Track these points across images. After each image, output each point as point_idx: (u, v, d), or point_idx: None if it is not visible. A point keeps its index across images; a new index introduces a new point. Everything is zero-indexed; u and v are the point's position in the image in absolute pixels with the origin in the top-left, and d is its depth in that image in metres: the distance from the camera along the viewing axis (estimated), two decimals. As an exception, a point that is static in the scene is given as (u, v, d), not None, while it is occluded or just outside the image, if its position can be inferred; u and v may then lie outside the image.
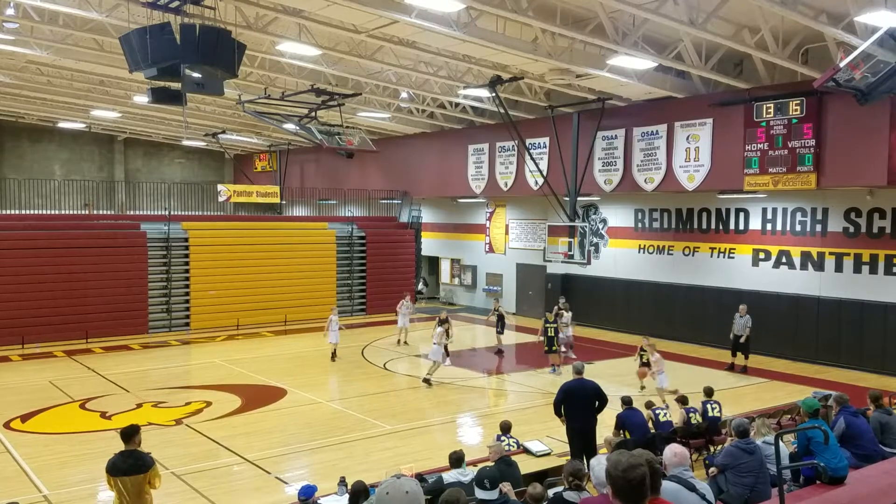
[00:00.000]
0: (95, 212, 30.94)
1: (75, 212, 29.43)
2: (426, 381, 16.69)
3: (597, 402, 10.31)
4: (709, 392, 11.69)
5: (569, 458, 9.33)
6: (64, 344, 20.97)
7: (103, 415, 14.17)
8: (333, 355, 19.58)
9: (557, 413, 10.55)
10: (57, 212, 28.27)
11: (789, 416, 11.76)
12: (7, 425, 13.43)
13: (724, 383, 16.93)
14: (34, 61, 22.24)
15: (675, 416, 11.25)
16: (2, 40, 19.20)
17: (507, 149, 25.53)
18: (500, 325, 20.99)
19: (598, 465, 5.05)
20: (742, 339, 18.15)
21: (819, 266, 19.29)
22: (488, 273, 29.52)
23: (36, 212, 26.80)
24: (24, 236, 21.63)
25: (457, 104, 25.27)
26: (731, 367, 18.39)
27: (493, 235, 29.30)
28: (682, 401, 11.39)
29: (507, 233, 28.60)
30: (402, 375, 18.03)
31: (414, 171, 30.29)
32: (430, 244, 31.92)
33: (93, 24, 17.55)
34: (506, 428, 10.45)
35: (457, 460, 8.14)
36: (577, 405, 10.37)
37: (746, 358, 18.27)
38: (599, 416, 10.44)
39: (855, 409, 9.16)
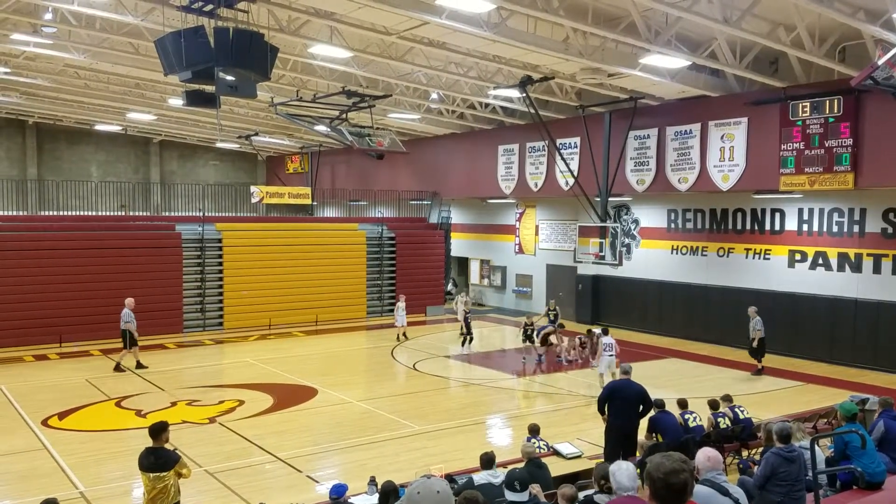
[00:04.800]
0: (131, 213, 31.46)
1: (111, 213, 29.98)
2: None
3: (641, 406, 10.27)
4: (713, 405, 11.20)
5: (599, 460, 9.26)
6: (100, 343, 21.32)
7: (138, 413, 14.38)
8: (400, 337, 22.02)
9: (601, 411, 10.57)
10: (94, 213, 28.83)
11: (826, 420, 11.55)
12: (45, 423, 13.69)
13: (757, 387, 16.72)
14: (72, 65, 22.69)
15: (704, 421, 11.09)
16: (40, 45, 19.62)
17: (538, 149, 25.44)
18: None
19: (619, 470, 5.01)
20: (755, 343, 17.85)
21: (856, 267, 18.92)
22: (518, 274, 29.44)
23: (73, 213, 27.33)
24: (62, 237, 22.06)
25: (487, 105, 25.24)
26: (760, 371, 18.06)
27: (522, 236, 29.21)
28: (712, 405, 11.22)
29: (536, 233, 28.49)
30: (431, 376, 18.04)
31: (443, 171, 30.32)
32: (459, 245, 31.92)
33: (128, 28, 17.85)
34: (534, 430, 10.41)
35: (488, 461, 8.12)
36: (622, 405, 10.37)
37: (759, 360, 18.01)
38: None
39: (895, 413, 8.98)
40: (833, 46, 16.01)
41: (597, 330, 18.77)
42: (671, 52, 15.89)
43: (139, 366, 18.27)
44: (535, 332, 19.50)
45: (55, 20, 17.53)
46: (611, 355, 15.84)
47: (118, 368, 18.07)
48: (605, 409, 10.43)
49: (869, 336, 18.60)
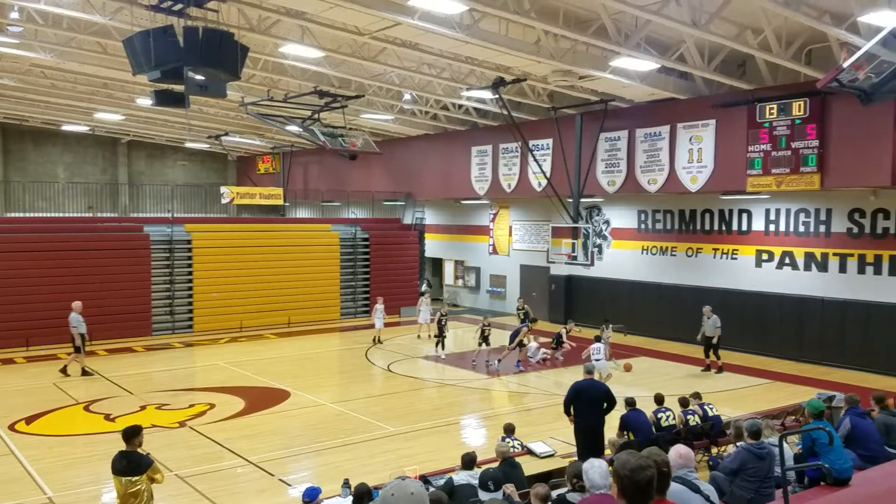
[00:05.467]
0: (99, 214, 31.01)
1: (79, 214, 29.52)
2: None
3: (605, 404, 10.36)
4: (683, 402, 11.29)
5: (573, 459, 9.32)
6: (68, 346, 20.90)
7: (107, 417, 14.19)
8: (376, 339, 21.80)
9: (567, 412, 10.63)
10: (61, 214, 28.36)
11: (794, 418, 11.73)
12: (12, 427, 13.45)
13: (725, 384, 16.94)
14: (38, 64, 22.31)
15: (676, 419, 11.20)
16: (6, 44, 19.26)
17: (511, 150, 25.53)
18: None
19: (591, 468, 5.05)
20: (714, 340, 18.10)
21: (823, 267, 19.25)
22: (492, 275, 29.52)
23: (40, 214, 26.88)
24: (29, 239, 21.68)
25: (460, 106, 25.28)
26: (708, 368, 18.32)
27: (496, 237, 29.30)
28: (682, 403, 11.33)
29: (510, 234, 28.60)
30: (405, 377, 18.02)
31: (417, 172, 30.31)
32: (433, 246, 31.92)
33: (96, 28, 17.60)
34: (509, 430, 10.45)
35: (469, 462, 8.12)
36: (587, 405, 10.47)
37: (718, 357, 18.26)
38: (605, 417, 10.46)
39: (862, 410, 9.15)
40: (799, 49, 16.28)
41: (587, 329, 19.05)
42: (641, 55, 16.05)
43: (64, 371, 17.70)
44: (490, 335, 19.40)
45: (21, 19, 17.22)
46: (598, 359, 15.86)
47: (84, 373, 17.76)
48: (571, 409, 10.52)
49: (835, 334, 18.93)
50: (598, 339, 16.88)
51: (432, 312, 21.70)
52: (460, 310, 29.27)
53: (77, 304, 18.02)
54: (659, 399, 11.24)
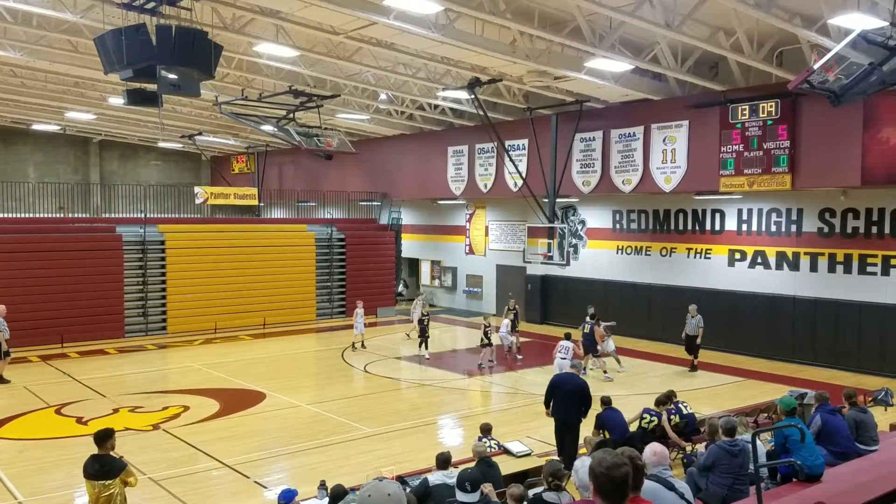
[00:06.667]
0: (70, 215, 30.55)
1: (50, 215, 29.03)
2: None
3: (581, 400, 10.48)
4: (661, 401, 11.20)
5: (549, 458, 9.36)
6: (39, 349, 20.68)
7: (79, 420, 13.99)
8: (354, 345, 21.17)
9: (546, 406, 10.89)
10: (31, 215, 27.87)
11: (766, 415, 11.88)
12: (-20, 432, 13.22)
13: (699, 383, 17.11)
14: (7, 63, 21.93)
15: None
16: (-27, 41, 18.92)
17: (487, 150, 25.58)
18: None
19: (582, 466, 5.06)
20: (698, 340, 18.30)
21: (794, 266, 19.52)
22: (468, 275, 29.55)
23: (10, 215, 26.37)
24: (-2, 240, 21.31)
25: (436, 106, 25.28)
26: (694, 367, 18.52)
27: (472, 237, 29.34)
28: (662, 402, 11.38)
29: (486, 234, 28.65)
30: (382, 378, 17.98)
31: (393, 172, 30.26)
32: (410, 246, 31.89)
33: (67, 26, 17.34)
34: (486, 430, 10.47)
35: (444, 461, 8.12)
36: (562, 398, 10.71)
37: (696, 357, 18.47)
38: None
39: (832, 407, 9.28)
40: (771, 51, 16.50)
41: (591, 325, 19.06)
42: (615, 56, 16.16)
43: (1, 380, 16.92)
44: (492, 333, 19.33)
45: (-11, 16, 16.93)
46: (564, 358, 15.78)
47: (1, 381, 16.89)
48: (549, 403, 10.77)
49: (806, 332, 19.21)
50: (567, 336, 16.77)
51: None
52: (437, 310, 29.23)
53: (0, 308, 17.07)
54: (661, 401, 11.07)
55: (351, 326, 21.49)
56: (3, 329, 17.08)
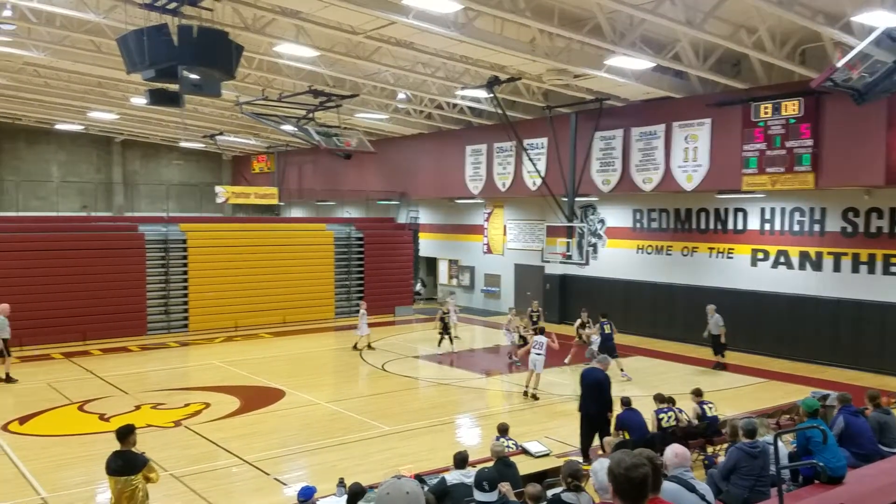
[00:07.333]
0: (93, 213, 30.92)
1: (73, 213, 29.44)
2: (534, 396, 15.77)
3: (598, 393, 10.64)
4: (659, 399, 11.24)
5: (568, 458, 9.33)
6: (62, 346, 20.94)
7: (102, 417, 14.15)
8: (357, 347, 20.83)
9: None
10: (55, 213, 28.30)
11: (788, 416, 11.76)
12: (5, 428, 13.40)
13: (721, 383, 16.96)
14: (31, 63, 22.23)
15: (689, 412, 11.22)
16: (-1, 42, 19.19)
17: (505, 149, 25.54)
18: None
19: (601, 469, 5.02)
20: (722, 339, 18.35)
21: (817, 266, 19.30)
22: (486, 274, 29.52)
23: (34, 213, 26.80)
24: (22, 238, 21.59)
25: (454, 105, 25.27)
26: (723, 366, 18.46)
27: (491, 236, 29.30)
28: (658, 399, 11.24)
29: (504, 233, 28.60)
30: (400, 377, 18.02)
31: (412, 172, 30.29)
32: (427, 245, 31.92)
33: (90, 26, 17.53)
34: (503, 430, 10.45)
35: (461, 461, 8.11)
36: (585, 391, 11.08)
37: (723, 355, 18.54)
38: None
39: (855, 408, 9.17)
40: (793, 49, 16.32)
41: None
42: (636, 54, 16.06)
43: (8, 379, 16.85)
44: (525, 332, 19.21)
45: (14, 17, 17.15)
46: (539, 354, 15.67)
47: (9, 380, 16.87)
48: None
49: (829, 333, 18.98)
50: (541, 331, 16.61)
51: (455, 311, 21.23)
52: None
53: (4, 307, 16.96)
54: (660, 398, 11.15)
55: (386, 323, 21.49)
56: (4, 327, 16.76)
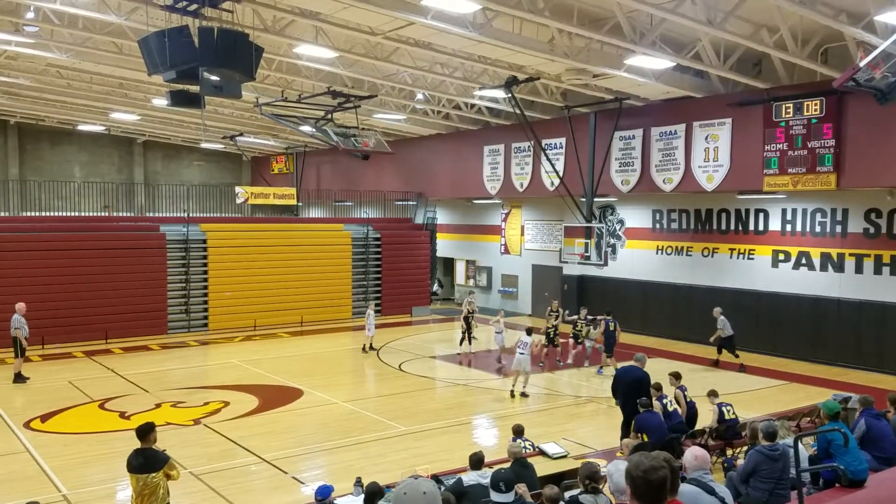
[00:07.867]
0: (115, 214, 31.22)
1: (95, 214, 29.73)
2: (522, 394, 15.88)
3: (637, 392, 10.80)
4: (657, 387, 11.36)
5: (585, 460, 9.30)
6: (83, 344, 21.17)
7: (122, 415, 14.28)
8: (365, 348, 20.71)
9: (614, 395, 11.55)
10: (77, 213, 28.58)
11: (809, 419, 11.64)
12: (27, 425, 13.57)
13: (741, 385, 16.83)
14: (54, 64, 22.50)
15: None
16: (22, 44, 19.43)
17: (523, 149, 25.49)
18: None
19: (617, 471, 5.00)
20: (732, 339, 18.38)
21: (839, 267, 19.09)
22: (504, 274, 29.47)
23: (56, 213, 27.08)
24: (45, 238, 21.86)
25: (472, 105, 25.26)
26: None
27: (508, 237, 29.25)
28: (656, 387, 11.30)
29: (522, 234, 28.54)
30: (417, 377, 18.04)
31: (429, 172, 30.31)
32: (445, 245, 31.92)
33: (112, 28, 17.71)
34: (518, 431, 10.42)
35: (477, 462, 8.11)
36: (623, 390, 11.24)
37: (729, 354, 18.56)
38: None
39: (876, 411, 9.07)
40: (815, 48, 16.16)
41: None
42: (656, 54, 15.97)
43: (19, 378, 16.78)
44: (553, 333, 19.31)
45: (37, 19, 17.36)
46: (522, 353, 15.67)
47: (19, 379, 16.81)
48: (616, 393, 11.40)
49: (851, 335, 18.77)
50: (528, 331, 16.53)
51: (500, 329, 19.81)
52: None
53: (20, 306, 16.87)
54: (658, 386, 11.31)
55: (403, 323, 21.52)
56: (22, 326, 16.78)
